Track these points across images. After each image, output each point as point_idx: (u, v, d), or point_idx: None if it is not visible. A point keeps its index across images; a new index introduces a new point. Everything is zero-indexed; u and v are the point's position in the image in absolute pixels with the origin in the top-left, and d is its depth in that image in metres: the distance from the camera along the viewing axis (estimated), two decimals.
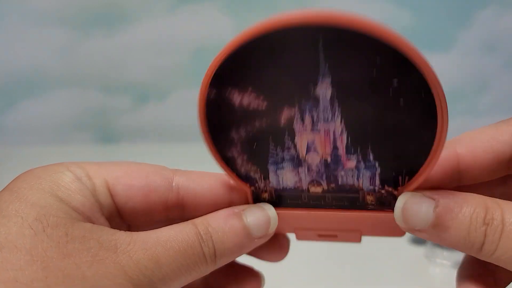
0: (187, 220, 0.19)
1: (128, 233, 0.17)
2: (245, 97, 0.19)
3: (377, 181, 0.20)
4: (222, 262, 0.19)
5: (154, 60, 0.66)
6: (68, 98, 0.68)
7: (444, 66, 0.64)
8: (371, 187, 0.20)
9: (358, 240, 0.22)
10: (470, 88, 0.65)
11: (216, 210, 0.20)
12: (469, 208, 0.17)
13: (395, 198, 0.19)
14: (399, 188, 0.19)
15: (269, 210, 0.20)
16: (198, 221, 0.19)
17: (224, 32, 0.65)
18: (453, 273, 0.35)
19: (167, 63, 0.66)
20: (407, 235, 0.21)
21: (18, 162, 0.63)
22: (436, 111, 0.17)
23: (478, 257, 0.17)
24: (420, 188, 0.19)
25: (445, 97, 0.17)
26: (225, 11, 0.64)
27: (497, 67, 0.65)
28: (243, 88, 0.19)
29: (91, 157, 0.66)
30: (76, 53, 0.65)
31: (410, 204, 0.18)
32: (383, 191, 0.20)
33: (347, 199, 0.20)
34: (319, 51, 0.17)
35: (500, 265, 0.17)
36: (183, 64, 0.66)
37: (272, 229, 0.20)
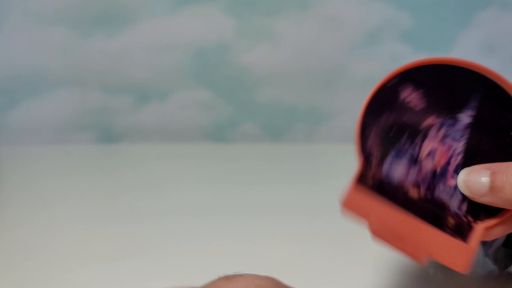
0: None
1: None
2: (412, 94, 0.24)
3: (464, 207, 0.23)
4: None
5: (155, 60, 0.66)
6: (69, 98, 0.68)
7: None
8: (457, 211, 0.23)
9: (422, 259, 0.24)
10: None
11: None
12: None
13: (471, 230, 0.22)
14: (478, 222, 0.22)
15: None
16: None
17: (225, 32, 0.65)
18: (453, 272, 0.36)
19: (168, 63, 0.66)
20: None
21: (19, 161, 0.64)
22: None
23: None
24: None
25: None
26: (226, 12, 0.64)
27: (497, 68, 0.65)
28: (417, 88, 0.24)
29: (92, 156, 0.66)
30: (77, 53, 0.65)
31: (470, 175, 0.22)
32: (464, 219, 0.23)
33: (432, 214, 0.23)
34: (476, 92, 0.23)
35: None
36: (184, 64, 0.66)
37: None
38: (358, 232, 0.29)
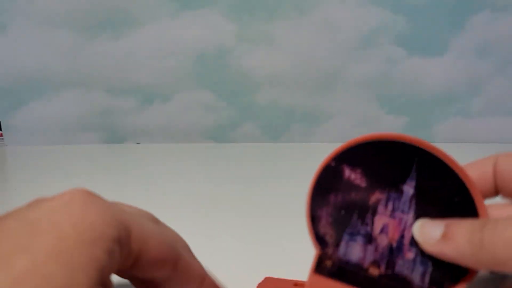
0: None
1: None
2: (353, 174, 0.24)
3: (427, 279, 0.22)
4: None
5: (158, 63, 0.66)
6: (74, 99, 0.68)
7: (439, 70, 0.65)
8: (420, 284, 0.22)
9: None
10: (463, 91, 0.65)
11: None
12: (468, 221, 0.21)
13: None
14: None
15: None
16: None
17: (226, 36, 0.65)
18: None
19: (171, 66, 0.66)
20: None
21: (25, 161, 0.64)
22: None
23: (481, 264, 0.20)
24: None
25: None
26: (227, 16, 0.64)
27: (490, 70, 0.65)
28: (355, 167, 0.24)
29: (97, 156, 0.66)
30: (82, 55, 0.66)
31: (426, 224, 0.22)
32: None
33: None
34: (414, 163, 0.23)
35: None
36: (187, 67, 0.66)
37: None
38: None
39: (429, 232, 0.21)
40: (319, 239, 0.24)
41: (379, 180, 0.23)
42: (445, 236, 0.20)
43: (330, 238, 0.24)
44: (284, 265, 0.35)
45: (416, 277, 0.22)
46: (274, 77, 0.67)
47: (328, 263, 0.24)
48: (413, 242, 0.22)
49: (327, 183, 0.25)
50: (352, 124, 0.68)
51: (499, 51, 0.64)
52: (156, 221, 0.24)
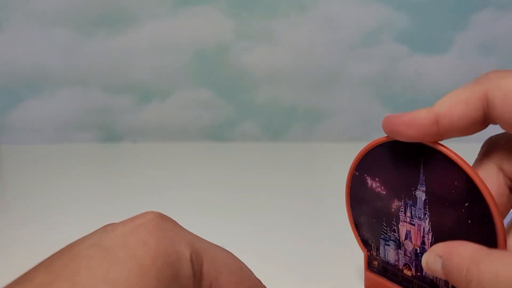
0: None
1: None
2: (374, 183, 0.25)
3: (451, 284, 0.22)
4: None
5: (156, 61, 0.66)
6: (71, 98, 0.68)
7: (441, 67, 0.65)
8: (444, 286, 0.23)
9: None
10: None
11: None
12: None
13: None
14: None
15: None
16: None
17: (225, 33, 0.65)
18: None
19: (169, 63, 0.66)
20: None
21: (21, 160, 0.64)
22: (495, 239, 0.20)
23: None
24: None
25: (504, 229, 0.20)
26: (226, 13, 0.64)
27: (493, 67, 0.64)
28: (374, 176, 0.25)
29: (94, 155, 0.66)
30: (79, 53, 0.65)
31: (428, 263, 0.21)
32: None
33: None
34: (421, 165, 0.22)
35: None
36: (185, 65, 0.66)
37: None
38: None
39: (434, 269, 0.21)
40: (365, 243, 0.27)
41: (394, 187, 0.24)
42: (446, 274, 0.20)
43: (371, 241, 0.26)
44: (283, 264, 0.34)
45: (441, 280, 0.23)
46: (274, 74, 0.67)
47: (375, 263, 0.26)
48: None
49: (357, 192, 0.26)
50: (354, 123, 0.68)
51: (502, 49, 0.64)
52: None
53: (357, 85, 0.66)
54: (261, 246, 0.38)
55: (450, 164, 0.21)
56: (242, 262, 0.22)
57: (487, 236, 0.20)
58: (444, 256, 0.20)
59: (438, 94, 0.24)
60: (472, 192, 0.20)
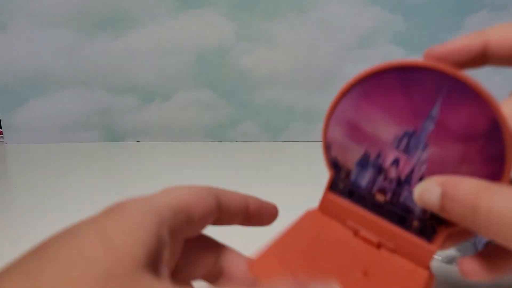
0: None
1: None
2: (369, 106, 0.23)
3: (428, 212, 0.22)
4: None
5: (158, 62, 0.66)
6: (74, 98, 0.68)
7: None
8: (421, 215, 0.23)
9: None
10: None
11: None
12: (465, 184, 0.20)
13: (434, 233, 0.22)
14: (441, 226, 0.22)
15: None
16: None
17: (225, 35, 0.65)
18: (445, 268, 0.37)
19: (170, 65, 0.66)
20: None
21: (25, 159, 0.64)
22: (500, 179, 0.20)
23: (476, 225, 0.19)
24: (456, 231, 0.22)
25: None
26: (226, 15, 0.64)
27: (487, 69, 0.64)
28: (372, 99, 0.23)
29: (97, 155, 0.66)
30: (82, 54, 0.65)
31: (423, 195, 0.21)
32: (428, 222, 0.22)
33: (399, 216, 0.23)
34: (440, 95, 0.21)
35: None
36: (186, 66, 0.66)
37: None
38: None
39: (428, 201, 0.21)
40: (333, 164, 0.26)
41: (395, 114, 0.22)
42: (442, 209, 0.20)
43: (343, 164, 0.25)
44: None
45: (418, 208, 0.23)
46: (273, 76, 0.67)
47: (341, 184, 0.25)
48: (423, 178, 0.22)
49: (344, 111, 0.24)
50: None
51: None
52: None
53: None
54: (261, 245, 0.38)
55: (475, 100, 0.20)
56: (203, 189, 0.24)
57: (490, 175, 0.20)
58: (447, 186, 0.20)
59: None
60: (492, 130, 0.20)
